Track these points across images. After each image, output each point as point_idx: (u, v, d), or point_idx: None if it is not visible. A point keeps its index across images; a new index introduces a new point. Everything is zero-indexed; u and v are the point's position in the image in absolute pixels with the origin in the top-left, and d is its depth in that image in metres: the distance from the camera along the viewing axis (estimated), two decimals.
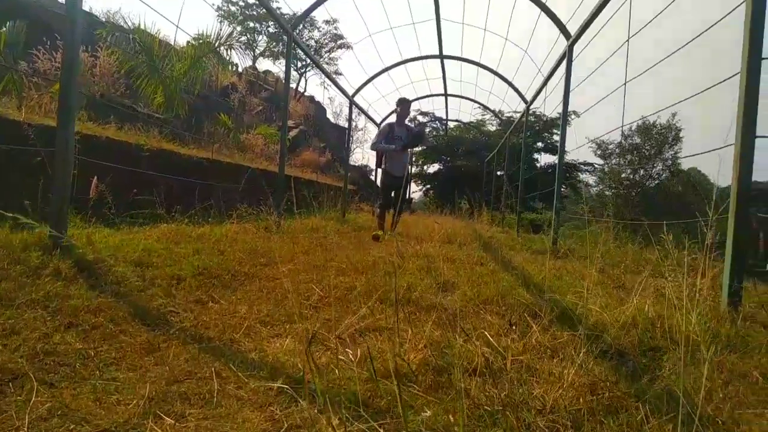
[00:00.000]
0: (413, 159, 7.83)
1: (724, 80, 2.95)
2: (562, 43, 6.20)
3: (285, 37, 5.95)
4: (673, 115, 30.04)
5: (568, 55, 6.09)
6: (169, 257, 2.89)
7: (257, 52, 35.13)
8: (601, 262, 5.31)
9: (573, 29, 5.93)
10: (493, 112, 26.94)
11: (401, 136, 7.09)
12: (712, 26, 3.24)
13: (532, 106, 26.85)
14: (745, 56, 2.51)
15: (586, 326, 1.90)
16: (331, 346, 1.60)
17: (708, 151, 3.39)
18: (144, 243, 3.08)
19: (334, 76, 36.32)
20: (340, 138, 33.78)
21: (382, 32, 8.67)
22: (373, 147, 7.30)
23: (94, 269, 2.37)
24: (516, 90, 10.13)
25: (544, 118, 31.53)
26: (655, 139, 31.12)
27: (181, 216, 5.47)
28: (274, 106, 20.54)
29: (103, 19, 11.31)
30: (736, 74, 2.61)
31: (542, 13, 6.21)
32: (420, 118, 33.62)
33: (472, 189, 31.63)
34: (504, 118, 30.59)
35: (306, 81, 36.08)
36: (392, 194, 7.23)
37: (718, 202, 2.18)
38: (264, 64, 35.47)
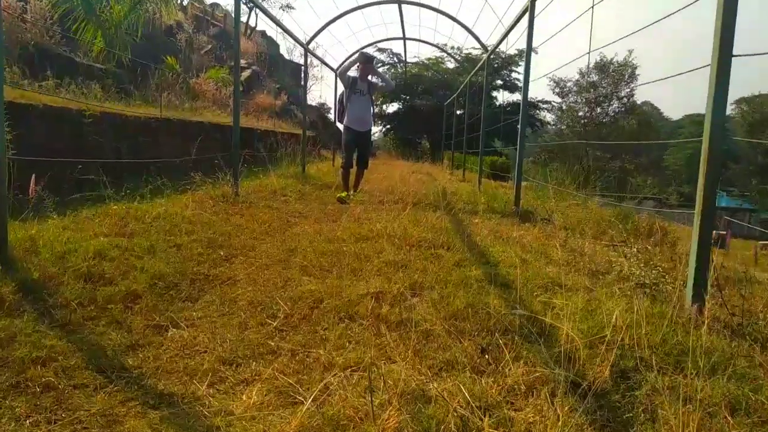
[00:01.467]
0: (374, 110, 7.67)
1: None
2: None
3: None
4: (630, 51, 30.24)
5: (530, 11, 5.90)
6: (122, 261, 2.73)
7: None
8: (562, 225, 5.39)
9: None
10: (450, 53, 26.37)
11: (362, 89, 6.93)
12: None
13: (490, 45, 26.41)
14: None
15: (558, 347, 1.90)
16: (300, 399, 1.53)
17: (676, 75, 3.38)
18: (94, 243, 2.89)
19: (286, 9, 34.81)
20: (296, 75, 32.69)
21: None
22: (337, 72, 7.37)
23: (41, 291, 2.20)
24: (476, 38, 9.88)
25: (503, 56, 31.21)
26: (611, 76, 31.35)
27: (131, 191, 5.23)
28: (224, 45, 19.56)
29: None
30: None
31: None
32: (377, 55, 32.75)
33: (432, 128, 31.55)
34: (462, 55, 30.13)
35: (257, 15, 34.38)
36: (355, 150, 7.06)
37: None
38: None
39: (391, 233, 3.88)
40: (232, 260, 3.14)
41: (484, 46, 10.01)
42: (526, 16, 6.06)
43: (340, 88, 7.31)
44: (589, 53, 4.72)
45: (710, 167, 2.42)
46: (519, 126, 6.08)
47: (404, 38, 12.47)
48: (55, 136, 5.10)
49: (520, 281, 2.91)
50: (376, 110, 34.33)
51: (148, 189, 4.88)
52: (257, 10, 34.16)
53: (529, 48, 6.01)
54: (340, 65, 7.12)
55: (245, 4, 33.52)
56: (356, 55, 7.32)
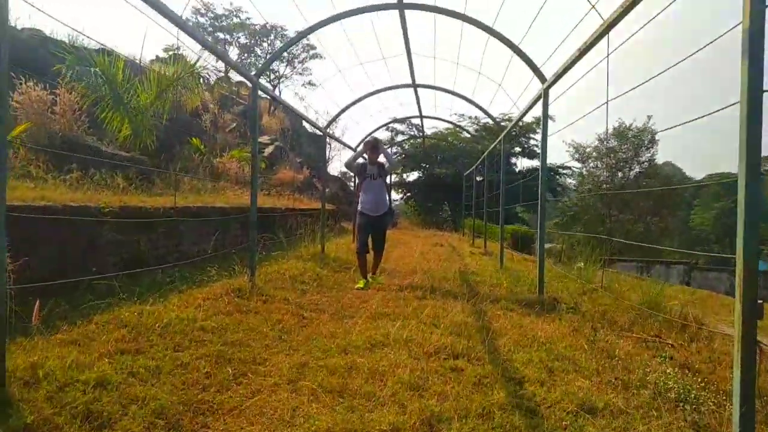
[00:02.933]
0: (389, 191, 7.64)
1: None
2: (537, 83, 6.02)
3: (250, 83, 5.67)
4: (649, 117, 30.37)
5: (543, 98, 5.91)
6: (124, 391, 2.60)
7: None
8: (590, 314, 5.15)
9: (549, 72, 5.75)
10: (462, 127, 26.88)
11: (373, 173, 6.97)
12: None
13: (508, 113, 26.78)
14: None
15: None
16: None
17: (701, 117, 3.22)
18: (98, 368, 2.79)
19: (307, 86, 36.03)
20: (318, 149, 33.44)
21: (353, 68, 8.42)
22: (347, 165, 7.50)
23: None
24: (491, 117, 9.98)
25: (521, 123, 31.62)
26: (631, 141, 31.35)
27: (147, 288, 5.18)
28: (249, 122, 20.19)
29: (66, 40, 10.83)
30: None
31: (515, 55, 6.01)
32: (396, 126, 33.45)
33: (452, 196, 31.63)
34: (480, 125, 30.61)
35: (280, 92, 35.69)
36: (369, 234, 7.00)
37: None
38: (236, 75, 34.87)
39: (408, 338, 3.70)
40: (240, 380, 2.99)
41: (499, 125, 10.07)
42: (540, 102, 6.07)
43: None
44: (607, 102, 4.60)
45: (749, 226, 2.20)
46: (538, 220, 5.95)
47: (421, 116, 12.68)
48: (74, 236, 5.12)
49: (547, 404, 2.70)
50: (397, 179, 34.72)
51: (162, 289, 4.79)
52: (281, 86, 35.53)
53: (545, 136, 5.97)
54: (349, 159, 7.25)
55: (269, 82, 34.91)
56: (361, 147, 7.45)
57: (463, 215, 23.78)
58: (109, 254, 5.67)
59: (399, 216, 32.71)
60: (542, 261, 5.87)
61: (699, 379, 3.13)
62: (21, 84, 8.61)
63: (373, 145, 7.12)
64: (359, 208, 7.06)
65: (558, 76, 5.38)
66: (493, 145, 11.28)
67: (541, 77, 5.84)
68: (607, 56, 4.24)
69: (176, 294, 5.15)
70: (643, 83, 3.94)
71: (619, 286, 6.63)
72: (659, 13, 3.50)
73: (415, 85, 9.22)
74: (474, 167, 15.59)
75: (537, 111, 6.77)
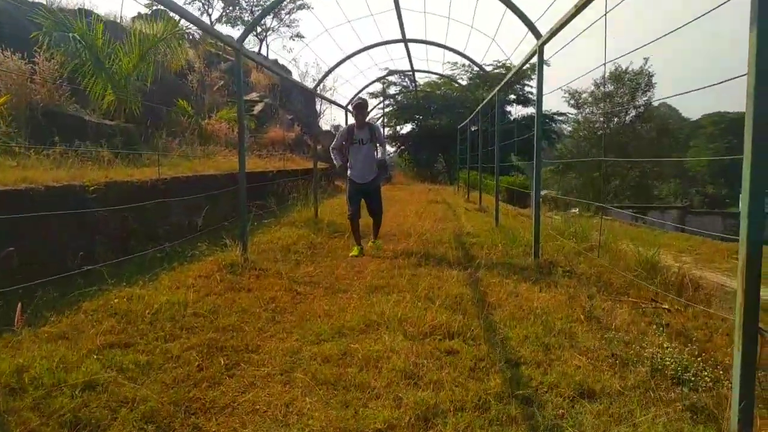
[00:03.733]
0: (383, 153, 7.41)
1: None
2: (531, 38, 5.78)
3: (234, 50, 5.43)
4: (646, 59, 29.77)
5: (539, 55, 5.69)
6: (114, 392, 2.55)
7: (213, 17, 33.60)
8: (586, 277, 5.11)
9: (543, 28, 5.52)
10: (451, 79, 26.14)
11: (362, 138, 6.69)
12: None
13: (502, 60, 26.19)
14: None
15: None
16: None
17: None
18: (85, 369, 2.73)
19: (295, 38, 35.03)
20: (309, 102, 32.83)
21: (340, 26, 8.09)
22: (331, 150, 6.96)
23: None
24: (484, 71, 9.70)
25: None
26: (627, 85, 30.87)
27: (136, 267, 5.11)
28: (235, 90, 19.75)
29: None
30: None
31: (508, 10, 5.75)
32: (389, 78, 32.76)
33: (447, 147, 31.33)
34: (474, 72, 29.91)
35: (267, 45, 34.76)
36: (361, 200, 6.90)
37: None
38: (223, 29, 33.89)
39: (403, 317, 3.66)
40: (232, 371, 2.94)
41: (491, 77, 9.78)
42: (535, 58, 5.85)
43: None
44: (605, 64, 4.44)
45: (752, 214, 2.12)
46: (533, 185, 5.83)
47: (413, 70, 12.34)
48: (60, 219, 5.00)
49: (544, 389, 2.67)
50: (390, 131, 34.26)
51: (152, 269, 4.70)
52: (268, 39, 34.57)
53: (539, 96, 5.78)
54: (334, 143, 6.90)
55: (256, 35, 33.91)
56: (342, 129, 7.14)
57: (457, 168, 23.60)
58: (97, 233, 5.56)
59: (394, 169, 32.45)
60: (538, 225, 5.80)
61: (696, 352, 3.10)
62: None
63: (359, 105, 6.82)
64: (349, 174, 6.84)
65: (553, 33, 5.15)
66: (486, 100, 11.02)
67: (536, 33, 5.61)
68: (605, 14, 4.04)
69: (167, 273, 5.09)
70: (641, 47, 3.75)
71: (615, 243, 6.56)
72: None
73: (405, 40, 8.91)
74: (468, 120, 15.33)
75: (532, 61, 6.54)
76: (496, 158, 9.31)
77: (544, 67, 5.98)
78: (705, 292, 4.53)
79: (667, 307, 4.30)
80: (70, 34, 9.56)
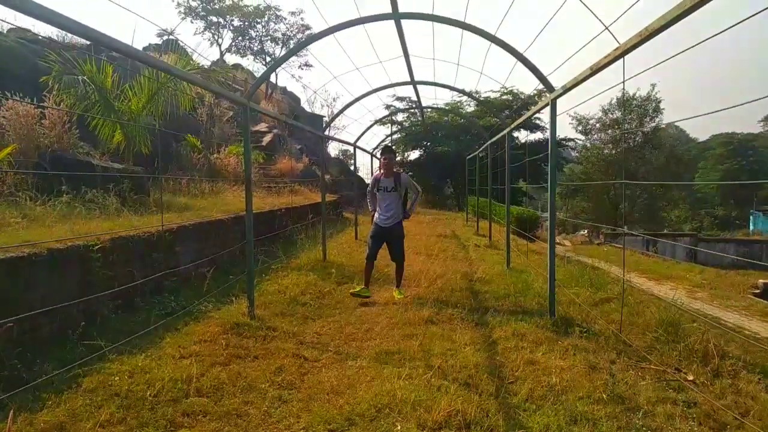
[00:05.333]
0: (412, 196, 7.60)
1: None
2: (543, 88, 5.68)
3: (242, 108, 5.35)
4: (653, 86, 29.73)
5: (551, 108, 5.58)
6: None
7: (223, 47, 33.96)
8: (604, 335, 4.92)
9: (555, 80, 5.42)
10: (468, 94, 26.03)
11: (387, 186, 6.97)
12: None
13: (509, 87, 26.15)
14: None
15: None
16: None
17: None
18: None
19: (304, 67, 35.31)
20: (317, 128, 32.96)
21: (348, 73, 8.05)
22: (368, 194, 7.42)
23: None
24: (498, 117, 9.60)
25: (522, 97, 31.05)
26: (635, 111, 30.80)
27: (140, 326, 4.96)
28: (244, 148, 19.83)
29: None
30: None
31: (519, 62, 5.65)
32: (396, 104, 32.89)
33: (455, 173, 31.26)
34: (482, 98, 29.92)
35: (276, 75, 35.04)
36: (382, 243, 7.07)
37: None
38: (230, 58, 34.23)
39: (415, 400, 3.48)
40: None
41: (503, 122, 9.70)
42: (547, 109, 5.74)
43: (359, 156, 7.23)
44: (623, 129, 4.32)
45: None
46: (549, 238, 5.67)
47: (421, 108, 12.28)
48: (62, 280, 4.90)
49: None
50: (399, 158, 34.25)
51: (157, 329, 4.55)
52: (277, 69, 34.87)
53: (553, 146, 5.65)
54: (369, 188, 7.42)
55: (265, 65, 34.21)
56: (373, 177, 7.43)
57: (466, 195, 23.43)
58: (101, 291, 5.44)
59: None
60: (553, 283, 5.61)
61: None
62: (7, 98, 8.29)
63: (388, 150, 7.19)
64: (374, 217, 7.15)
65: (566, 90, 5.05)
66: (496, 138, 10.91)
67: (549, 87, 5.51)
68: (623, 82, 3.92)
69: (172, 335, 4.93)
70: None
71: (633, 297, 6.37)
72: (677, 54, 3.17)
73: (414, 83, 8.86)
74: (477, 152, 15.23)
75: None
76: (506, 198, 9.18)
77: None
78: (731, 363, 4.31)
79: (692, 378, 4.10)
80: (80, 77, 9.59)
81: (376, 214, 7.10)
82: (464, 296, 6.77)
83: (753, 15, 2.74)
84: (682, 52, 3.53)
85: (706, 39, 3.29)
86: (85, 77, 9.59)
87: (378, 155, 7.37)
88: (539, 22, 5.35)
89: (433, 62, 7.56)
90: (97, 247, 5.28)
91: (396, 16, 5.83)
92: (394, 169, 7.10)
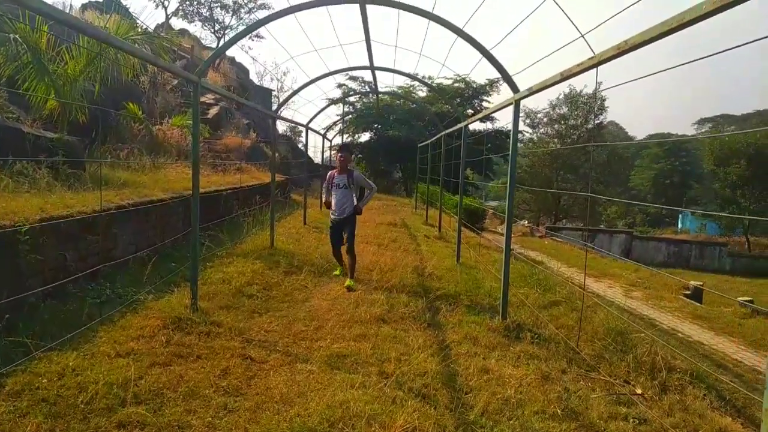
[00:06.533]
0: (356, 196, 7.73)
1: None
2: (506, 89, 5.58)
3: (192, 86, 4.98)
4: (599, 84, 30.47)
5: (515, 109, 5.51)
6: None
7: (169, 10, 32.31)
8: (552, 339, 4.94)
9: (520, 81, 5.34)
10: (421, 80, 25.82)
11: (339, 183, 7.25)
12: None
13: (463, 75, 26.13)
14: None
15: None
16: None
17: None
18: None
19: (255, 38, 34.11)
20: (266, 103, 32.00)
21: (306, 54, 7.70)
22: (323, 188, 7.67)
23: None
24: (449, 102, 9.49)
25: (474, 85, 31.22)
26: (581, 108, 31.61)
27: (72, 315, 4.59)
28: (192, 126, 18.94)
29: None
30: None
31: (484, 59, 5.53)
32: (349, 83, 32.39)
33: (405, 158, 31.20)
34: (435, 84, 29.86)
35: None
36: (338, 234, 7.34)
37: None
38: (176, 23, 32.64)
39: (370, 414, 3.34)
40: None
41: (462, 116, 9.61)
42: (510, 108, 5.66)
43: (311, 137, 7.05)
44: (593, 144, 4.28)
45: None
46: (505, 242, 5.62)
47: (377, 92, 12.03)
48: None
49: None
50: (349, 138, 33.79)
51: (90, 320, 4.20)
52: (224, 38, 33.55)
53: (515, 148, 5.58)
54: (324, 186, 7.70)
55: (214, 33, 32.84)
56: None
57: (416, 182, 23.40)
58: (30, 277, 4.99)
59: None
60: (506, 288, 5.58)
61: None
62: None
63: (345, 147, 7.87)
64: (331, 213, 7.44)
65: (532, 92, 4.97)
66: (453, 129, 10.83)
67: (513, 87, 5.41)
68: (596, 90, 3.86)
69: (107, 329, 4.58)
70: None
71: (581, 301, 6.47)
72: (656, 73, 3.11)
73: (373, 68, 8.60)
74: (430, 141, 15.14)
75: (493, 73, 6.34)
76: (460, 193, 9.15)
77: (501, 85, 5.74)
78: (678, 376, 4.41)
79: (641, 392, 4.16)
80: (11, 35, 8.77)
81: (331, 210, 7.38)
82: (415, 293, 6.68)
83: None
84: (657, 72, 3.49)
85: (682, 64, 3.26)
86: (17, 35, 8.78)
87: (333, 147, 7.25)
88: (508, 23, 5.22)
89: (395, 49, 7.32)
90: (25, 229, 4.82)
91: (362, 0, 5.57)
92: (348, 167, 7.36)
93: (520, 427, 3.37)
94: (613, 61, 3.53)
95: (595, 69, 3.78)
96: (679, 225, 45.43)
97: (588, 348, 5.04)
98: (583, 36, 3.84)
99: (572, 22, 3.91)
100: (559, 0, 4.02)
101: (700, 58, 3.14)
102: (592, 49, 3.69)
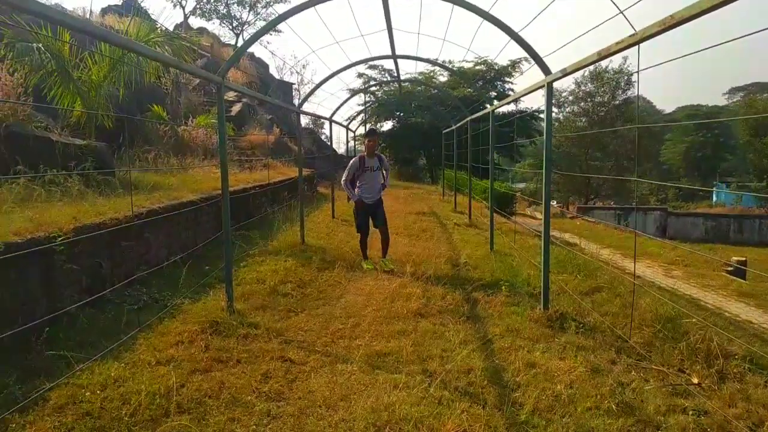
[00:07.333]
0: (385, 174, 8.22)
1: None
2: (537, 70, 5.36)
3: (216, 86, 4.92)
4: (625, 59, 29.72)
5: (547, 91, 5.28)
6: None
7: (187, 10, 32.49)
8: (607, 349, 4.75)
9: (552, 62, 5.12)
10: (442, 65, 25.43)
11: (372, 166, 7.50)
12: None
13: (484, 57, 25.73)
14: None
15: None
16: None
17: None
18: None
19: (273, 32, 34.07)
20: (288, 97, 31.98)
21: (327, 47, 7.57)
22: (342, 184, 7.69)
23: None
24: (473, 87, 9.26)
25: (496, 67, 30.66)
26: (607, 84, 30.80)
27: (111, 323, 4.58)
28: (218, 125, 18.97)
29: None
30: None
31: (513, 41, 5.32)
32: (369, 72, 32.17)
33: (429, 145, 30.91)
34: (456, 68, 29.40)
35: (243, 39, 33.72)
36: (366, 217, 7.58)
37: None
38: (194, 21, 32.80)
39: (418, 419, 3.23)
40: None
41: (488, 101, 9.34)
42: (543, 91, 5.44)
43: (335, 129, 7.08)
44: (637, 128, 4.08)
45: None
46: (543, 228, 5.43)
47: (399, 81, 11.84)
48: (21, 279, 4.46)
49: None
50: (371, 126, 33.63)
51: (129, 328, 4.18)
52: (244, 33, 33.62)
53: (549, 126, 5.38)
54: (348, 174, 7.69)
55: (232, 30, 32.90)
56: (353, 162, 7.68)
57: (442, 168, 23.14)
58: (66, 286, 5.02)
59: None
60: (547, 276, 5.40)
61: None
62: None
63: (373, 132, 8.06)
64: (358, 196, 7.52)
65: (566, 74, 4.76)
66: (480, 114, 10.59)
67: (545, 69, 5.19)
68: (638, 71, 3.64)
69: (146, 336, 4.57)
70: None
71: (624, 287, 6.26)
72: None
73: (395, 57, 8.42)
74: (456, 126, 14.88)
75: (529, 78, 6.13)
76: (491, 179, 8.95)
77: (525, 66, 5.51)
78: (735, 364, 4.19)
79: (697, 381, 3.97)
80: (34, 45, 8.85)
81: (362, 193, 7.50)
82: (451, 284, 6.55)
83: None
84: (704, 49, 3.27)
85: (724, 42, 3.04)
86: (40, 45, 8.85)
87: (361, 135, 7.41)
88: (537, 3, 5.00)
89: (417, 36, 7.14)
90: (60, 238, 4.83)
91: None
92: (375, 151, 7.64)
93: (575, 425, 3.23)
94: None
95: (636, 47, 3.56)
96: (714, 198, 44.15)
97: (636, 336, 4.85)
98: (622, 12, 3.63)
99: None
100: None
101: (749, 34, 2.92)
102: (633, 26, 3.48)
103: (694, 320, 4.88)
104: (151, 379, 3.71)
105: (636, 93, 30.88)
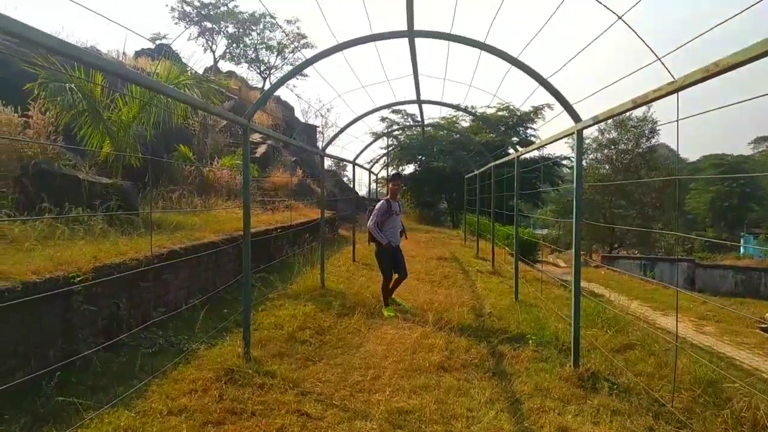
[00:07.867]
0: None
1: None
2: (566, 117, 5.25)
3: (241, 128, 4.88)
4: (649, 107, 29.62)
5: (577, 139, 5.17)
6: None
7: (217, 54, 33.50)
8: (643, 414, 4.45)
9: (582, 110, 5.02)
10: (465, 109, 25.58)
11: (396, 210, 7.72)
12: None
13: (507, 102, 25.88)
14: None
15: None
16: None
17: None
18: None
19: (299, 76, 34.80)
20: (311, 139, 32.41)
21: (352, 91, 7.61)
22: (372, 228, 7.65)
23: None
24: (495, 130, 9.19)
25: (518, 113, 30.79)
26: (631, 131, 30.67)
27: (124, 367, 4.44)
28: (242, 168, 19.29)
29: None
30: None
31: (541, 87, 5.24)
32: (392, 116, 32.50)
33: (450, 189, 30.86)
34: (478, 113, 29.56)
35: (271, 83, 34.55)
36: (394, 262, 7.62)
37: None
38: (224, 65, 33.78)
39: None
40: None
41: (515, 148, 9.26)
42: (573, 138, 5.32)
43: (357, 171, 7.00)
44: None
45: None
46: (573, 280, 5.22)
47: (422, 126, 11.86)
48: (36, 320, 4.37)
49: None
50: (393, 171, 33.77)
51: (143, 371, 4.02)
52: (271, 78, 34.45)
53: (579, 174, 5.23)
54: (375, 219, 7.68)
55: (260, 74, 33.74)
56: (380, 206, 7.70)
57: (464, 213, 22.98)
58: (82, 328, 4.91)
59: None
60: (577, 328, 5.14)
61: None
62: None
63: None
64: (387, 241, 7.54)
65: (597, 121, 4.64)
66: (504, 160, 10.49)
67: (574, 116, 5.09)
68: (677, 120, 3.51)
69: (158, 382, 4.42)
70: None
71: (658, 344, 5.95)
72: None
73: (420, 102, 8.44)
74: (479, 171, 14.80)
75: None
76: (515, 226, 8.76)
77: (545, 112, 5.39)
78: None
79: None
80: (67, 85, 9.06)
81: (390, 238, 7.58)
82: (475, 336, 6.30)
83: None
84: (751, 99, 3.13)
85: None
86: (72, 85, 9.06)
87: (385, 178, 7.52)
88: (560, 48, 4.94)
89: (443, 82, 7.13)
90: (79, 278, 4.76)
91: (411, 34, 5.40)
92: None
93: None
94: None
95: (675, 95, 3.43)
96: (741, 250, 42.99)
97: (675, 400, 4.54)
98: (660, 59, 3.52)
99: (648, 45, 3.59)
100: (625, 23, 3.73)
101: None
102: (671, 74, 3.36)
103: (737, 385, 4.55)
104: (161, 431, 3.53)
105: (676, 142, 30.67)
